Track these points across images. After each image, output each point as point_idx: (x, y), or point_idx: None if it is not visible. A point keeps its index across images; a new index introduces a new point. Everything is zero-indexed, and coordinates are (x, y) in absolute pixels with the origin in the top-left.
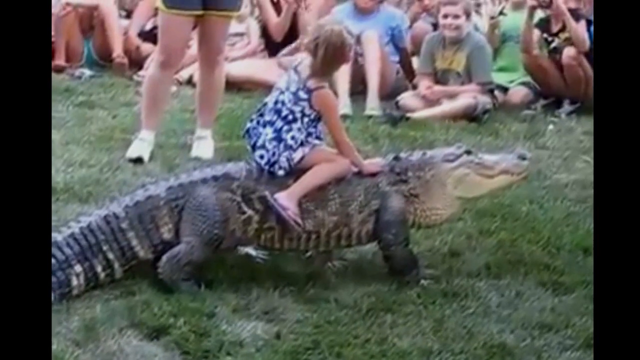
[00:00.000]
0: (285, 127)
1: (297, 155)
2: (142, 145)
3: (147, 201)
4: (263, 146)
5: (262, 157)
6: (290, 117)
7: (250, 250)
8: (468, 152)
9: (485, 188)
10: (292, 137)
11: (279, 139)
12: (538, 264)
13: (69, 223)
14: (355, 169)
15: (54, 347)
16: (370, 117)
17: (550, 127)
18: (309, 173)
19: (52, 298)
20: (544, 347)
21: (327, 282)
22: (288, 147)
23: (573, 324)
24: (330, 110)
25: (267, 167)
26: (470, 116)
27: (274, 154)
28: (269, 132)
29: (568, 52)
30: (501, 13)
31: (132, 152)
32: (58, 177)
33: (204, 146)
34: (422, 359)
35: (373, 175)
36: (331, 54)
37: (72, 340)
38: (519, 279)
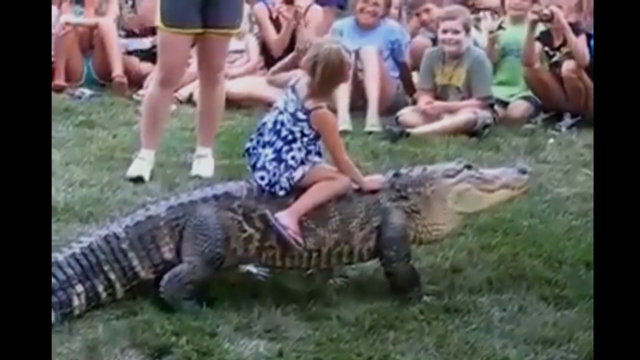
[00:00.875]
0: (285, 148)
1: (297, 175)
2: (142, 164)
3: (148, 221)
4: (263, 167)
5: (262, 178)
6: (290, 137)
7: (252, 268)
8: (468, 167)
9: (485, 203)
10: (293, 157)
11: (279, 159)
12: (540, 278)
13: (70, 243)
14: (355, 186)
15: None
16: (370, 133)
17: (551, 140)
18: (309, 192)
19: (54, 318)
20: None
21: (329, 300)
22: (289, 168)
23: (576, 338)
24: (329, 130)
25: (268, 188)
26: (471, 131)
27: (274, 174)
28: (268, 152)
29: (568, 65)
30: (500, 27)
31: (133, 171)
32: (59, 197)
33: (204, 164)
34: None
35: (373, 192)
36: (329, 73)
37: None
38: (521, 293)
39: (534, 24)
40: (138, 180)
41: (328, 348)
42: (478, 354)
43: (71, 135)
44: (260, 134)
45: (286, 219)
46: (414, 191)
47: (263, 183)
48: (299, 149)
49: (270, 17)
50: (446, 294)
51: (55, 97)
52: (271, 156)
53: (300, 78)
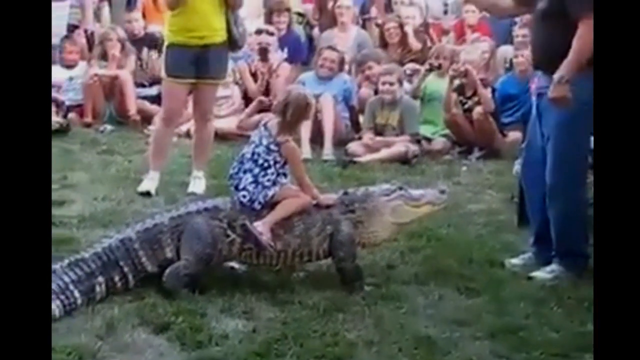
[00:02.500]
0: (262, 173)
1: (270, 193)
2: (150, 182)
3: (154, 228)
4: (244, 188)
5: (244, 196)
6: (265, 164)
7: (234, 264)
8: (400, 188)
9: (413, 215)
10: (268, 180)
11: (256, 182)
12: (454, 274)
13: (93, 244)
14: (314, 202)
15: (82, 340)
16: (326, 161)
17: (464, 168)
18: (279, 206)
19: (80, 301)
20: (459, 338)
21: (293, 289)
22: (264, 188)
23: (481, 320)
24: (295, 159)
25: (248, 204)
26: (403, 160)
27: (253, 193)
28: (248, 177)
29: (477, 110)
30: (430, 70)
31: (142, 187)
32: (86, 208)
33: (198, 184)
34: (365, 348)
35: (328, 206)
36: (298, 112)
37: (96, 334)
38: (440, 285)
39: (452, 79)
40: (146, 194)
41: (291, 326)
42: (406, 332)
43: (96, 161)
44: (241, 163)
45: (261, 227)
46: (359, 206)
47: (244, 200)
48: (272, 174)
49: (250, 72)
50: (382, 285)
51: (84, 131)
52: (250, 179)
53: (270, 119)
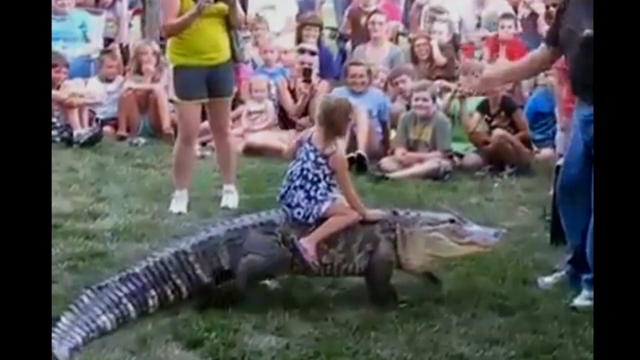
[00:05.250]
0: (313, 187)
1: (324, 207)
2: (179, 201)
3: (210, 241)
4: (298, 205)
5: (299, 213)
6: (315, 178)
7: (266, 282)
8: (452, 221)
9: (453, 252)
10: (320, 194)
11: (309, 197)
12: (488, 292)
13: (128, 257)
14: (360, 218)
15: (115, 355)
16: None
17: (496, 184)
18: (327, 223)
19: (133, 315)
20: (492, 357)
21: (326, 306)
22: (317, 202)
23: (515, 338)
24: (343, 169)
25: (303, 220)
26: (435, 176)
27: (307, 209)
28: (301, 193)
29: (496, 133)
30: (455, 93)
31: (174, 208)
32: (119, 221)
33: (230, 198)
34: None
35: (373, 222)
36: (344, 117)
37: (129, 350)
38: (473, 303)
39: (461, 99)
40: (179, 214)
41: (324, 343)
42: (440, 350)
43: (130, 174)
44: (291, 181)
45: (306, 244)
46: (399, 228)
47: (299, 217)
48: (324, 187)
49: (289, 88)
50: (415, 303)
51: (118, 144)
52: (303, 195)
53: (312, 133)
